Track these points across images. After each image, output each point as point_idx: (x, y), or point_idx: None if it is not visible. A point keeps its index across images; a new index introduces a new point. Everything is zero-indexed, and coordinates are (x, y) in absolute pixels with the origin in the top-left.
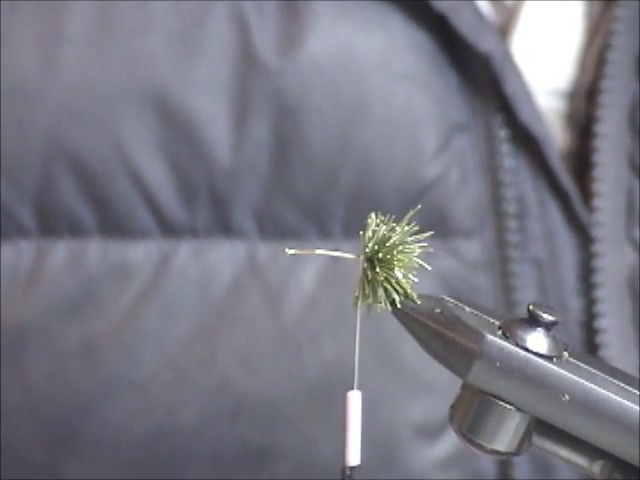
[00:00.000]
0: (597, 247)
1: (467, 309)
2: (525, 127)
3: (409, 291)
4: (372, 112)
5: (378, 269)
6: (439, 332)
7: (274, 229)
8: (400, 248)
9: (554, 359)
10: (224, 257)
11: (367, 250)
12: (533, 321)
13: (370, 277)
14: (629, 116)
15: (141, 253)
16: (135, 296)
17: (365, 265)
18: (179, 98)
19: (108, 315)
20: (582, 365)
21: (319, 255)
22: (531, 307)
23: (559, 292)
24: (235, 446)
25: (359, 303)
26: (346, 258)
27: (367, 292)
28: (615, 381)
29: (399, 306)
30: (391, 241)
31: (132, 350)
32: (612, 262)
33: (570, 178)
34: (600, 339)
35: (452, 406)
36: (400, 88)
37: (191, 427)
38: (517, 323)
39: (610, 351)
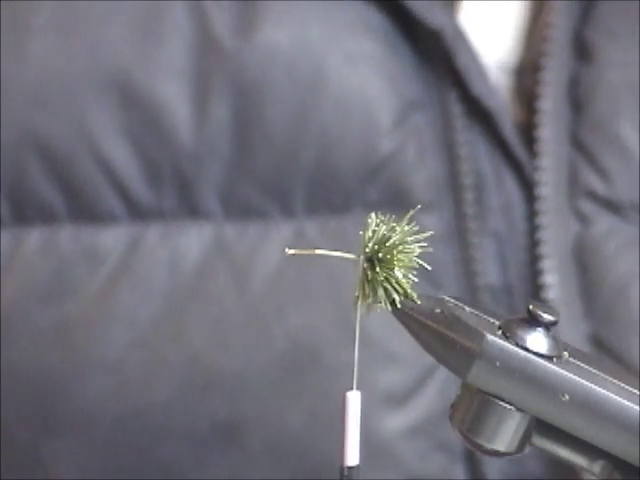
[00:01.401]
0: (541, 220)
1: (467, 309)
2: (478, 101)
3: (409, 291)
4: (328, 91)
5: (378, 269)
6: (439, 332)
7: (239, 209)
8: (400, 248)
9: (554, 359)
10: (191, 238)
11: (367, 250)
12: (533, 321)
13: (370, 277)
14: (568, 92)
15: (111, 237)
16: (106, 279)
17: (365, 265)
18: (141, 83)
19: (81, 298)
20: (582, 365)
21: (319, 255)
22: (531, 307)
23: (518, 263)
24: (207, 421)
25: (359, 303)
26: (346, 258)
27: (367, 292)
28: (615, 381)
29: (399, 306)
30: (391, 241)
31: (105, 331)
32: (557, 234)
33: (524, 149)
34: None
35: (452, 406)
36: (354, 67)
37: (164, 404)
38: (517, 323)
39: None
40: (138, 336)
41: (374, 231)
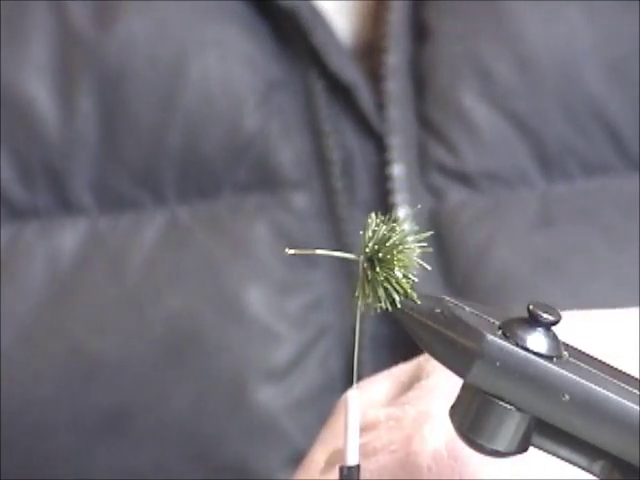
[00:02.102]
0: (395, 198)
1: (467, 309)
2: (337, 77)
3: (409, 291)
4: (190, 76)
5: (378, 269)
6: (439, 332)
7: (112, 201)
8: (400, 248)
9: (554, 359)
10: (67, 233)
11: (367, 250)
12: (533, 321)
13: (370, 277)
14: (411, 72)
15: None
16: None
17: (365, 265)
18: (7, 81)
19: None
20: (582, 365)
21: (320, 255)
22: (531, 307)
23: None
24: (93, 412)
25: (359, 303)
26: (346, 258)
27: (367, 292)
28: (615, 381)
29: (399, 306)
30: (391, 241)
31: None
32: (411, 211)
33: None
34: None
35: (452, 406)
36: (214, 50)
37: (50, 398)
38: (517, 323)
39: None
40: (20, 331)
41: (374, 231)
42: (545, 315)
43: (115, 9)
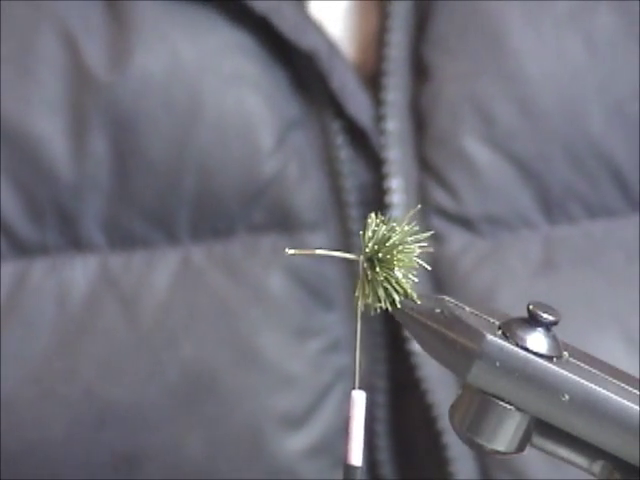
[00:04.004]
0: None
1: (467, 309)
2: (353, 120)
3: (409, 291)
4: (205, 116)
5: (378, 269)
6: (439, 332)
7: (123, 239)
8: (400, 248)
9: (554, 359)
10: (77, 271)
11: (367, 250)
12: (533, 321)
13: (370, 277)
14: (410, 111)
15: None
16: None
17: (365, 265)
18: (16, 120)
19: None
20: (582, 365)
21: (320, 255)
22: (531, 307)
23: None
24: (104, 455)
25: (359, 303)
26: (346, 258)
27: (367, 292)
28: (615, 381)
29: (399, 306)
30: (391, 241)
31: None
32: None
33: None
34: None
35: (452, 406)
36: (230, 90)
37: (59, 439)
38: (517, 323)
39: None
40: (29, 372)
41: (374, 231)
42: (545, 315)
43: (128, 47)
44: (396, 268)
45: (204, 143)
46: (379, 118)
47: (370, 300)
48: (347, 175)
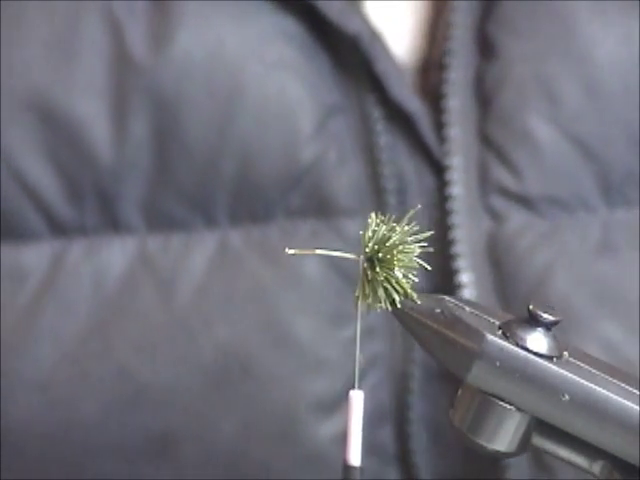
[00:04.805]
0: (453, 219)
1: (467, 309)
2: (397, 105)
3: (409, 291)
4: (246, 101)
5: (378, 269)
6: (439, 332)
7: (161, 222)
8: (400, 248)
9: (554, 359)
10: (114, 253)
11: (367, 250)
12: (533, 321)
13: (370, 277)
14: (474, 90)
15: (34, 255)
16: (31, 296)
17: (365, 265)
18: (59, 102)
19: (5, 317)
20: (582, 365)
21: (319, 255)
22: (531, 307)
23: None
24: (138, 435)
25: (359, 303)
26: (346, 258)
27: (367, 292)
28: (615, 381)
29: (399, 306)
30: (391, 241)
31: (31, 349)
32: (469, 233)
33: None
34: None
35: (452, 406)
36: (272, 76)
37: (93, 420)
38: (517, 323)
39: None
40: (65, 353)
41: (374, 231)
42: (545, 315)
43: (170, 31)
44: (396, 268)
45: (244, 128)
46: (441, 96)
47: (370, 300)
48: (386, 162)
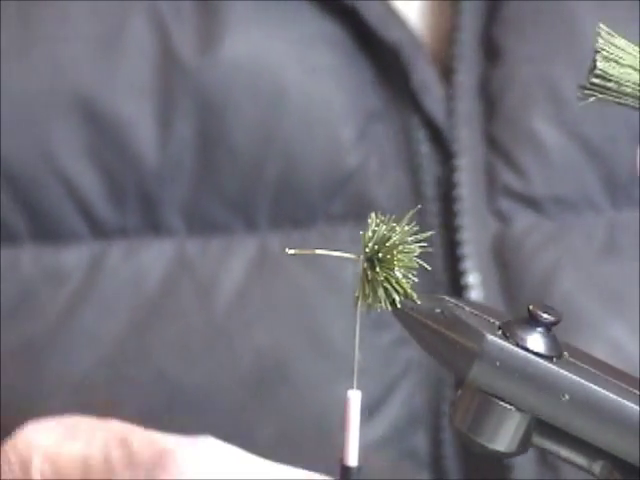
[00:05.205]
0: (460, 220)
1: (467, 309)
2: (431, 119)
3: (409, 291)
4: (290, 106)
5: (378, 269)
6: (439, 332)
7: (202, 224)
8: (400, 248)
9: (554, 359)
10: (154, 255)
11: (367, 250)
12: (533, 321)
13: (370, 277)
14: (480, 92)
15: (73, 256)
16: (69, 297)
17: (365, 265)
18: (104, 101)
19: (44, 317)
20: (582, 365)
21: (319, 255)
22: (531, 307)
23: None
24: None
25: (359, 303)
26: (346, 258)
27: (367, 292)
28: (615, 381)
29: (399, 306)
30: (391, 241)
31: (69, 350)
32: (476, 234)
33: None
34: None
35: (452, 406)
36: (316, 81)
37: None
38: (517, 323)
39: None
40: (103, 354)
41: (374, 231)
42: (545, 315)
43: (217, 35)
44: (396, 268)
45: (288, 133)
46: (448, 99)
47: (370, 300)
48: (426, 169)
